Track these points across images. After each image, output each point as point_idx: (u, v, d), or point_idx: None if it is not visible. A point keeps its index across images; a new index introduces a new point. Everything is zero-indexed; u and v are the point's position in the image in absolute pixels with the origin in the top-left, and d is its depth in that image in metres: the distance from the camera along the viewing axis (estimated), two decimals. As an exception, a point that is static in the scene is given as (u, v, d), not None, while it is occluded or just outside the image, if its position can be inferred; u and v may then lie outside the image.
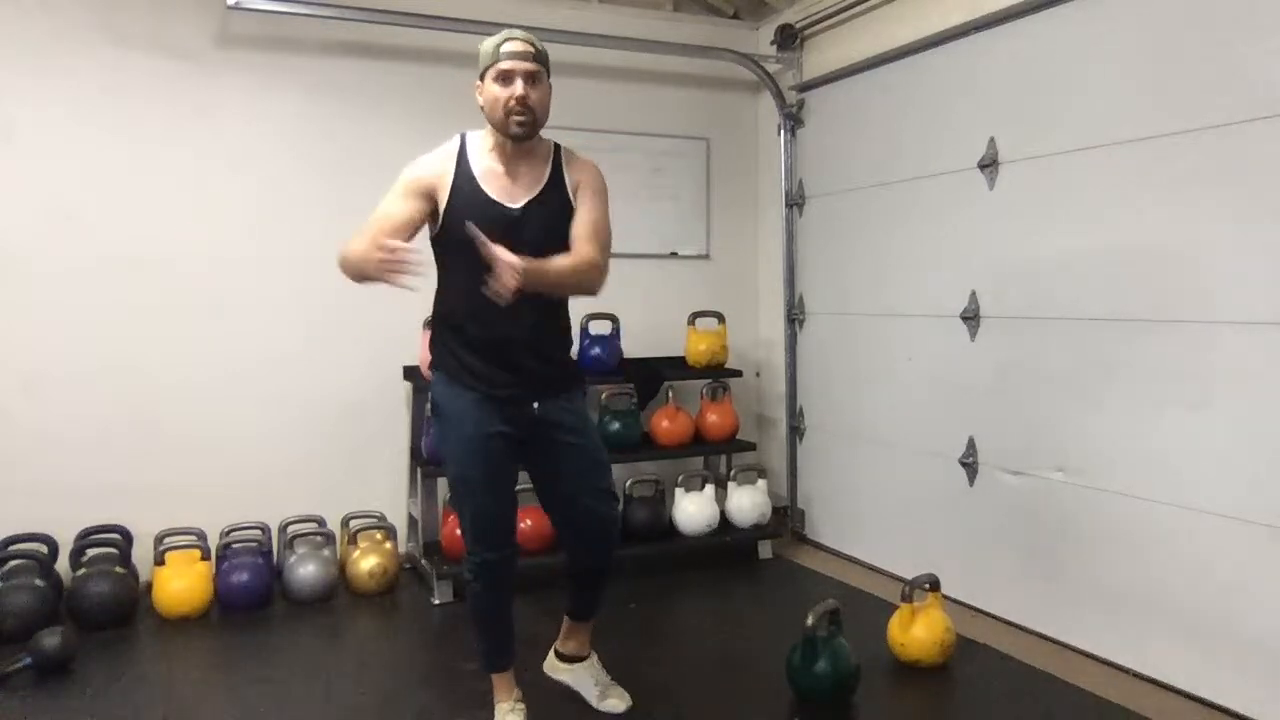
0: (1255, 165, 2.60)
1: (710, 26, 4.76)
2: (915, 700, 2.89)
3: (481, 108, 2.38)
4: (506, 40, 2.34)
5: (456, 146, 2.42)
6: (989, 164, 3.44)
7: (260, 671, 3.08)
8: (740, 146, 4.89)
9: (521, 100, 2.30)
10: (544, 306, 2.42)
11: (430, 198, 2.38)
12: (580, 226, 2.43)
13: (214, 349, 3.88)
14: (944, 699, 2.90)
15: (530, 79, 2.32)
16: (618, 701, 2.70)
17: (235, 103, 3.88)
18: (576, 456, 2.49)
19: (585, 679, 2.75)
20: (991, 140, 3.43)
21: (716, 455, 4.53)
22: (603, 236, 2.46)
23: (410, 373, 4.09)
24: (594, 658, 2.79)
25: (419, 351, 3.97)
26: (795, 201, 4.56)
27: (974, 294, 3.54)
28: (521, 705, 2.59)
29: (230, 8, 3.68)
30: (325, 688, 2.93)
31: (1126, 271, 2.96)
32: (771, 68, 4.57)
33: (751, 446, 4.49)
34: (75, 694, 2.87)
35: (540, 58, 2.35)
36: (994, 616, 3.44)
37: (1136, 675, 2.92)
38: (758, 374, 4.91)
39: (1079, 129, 3.09)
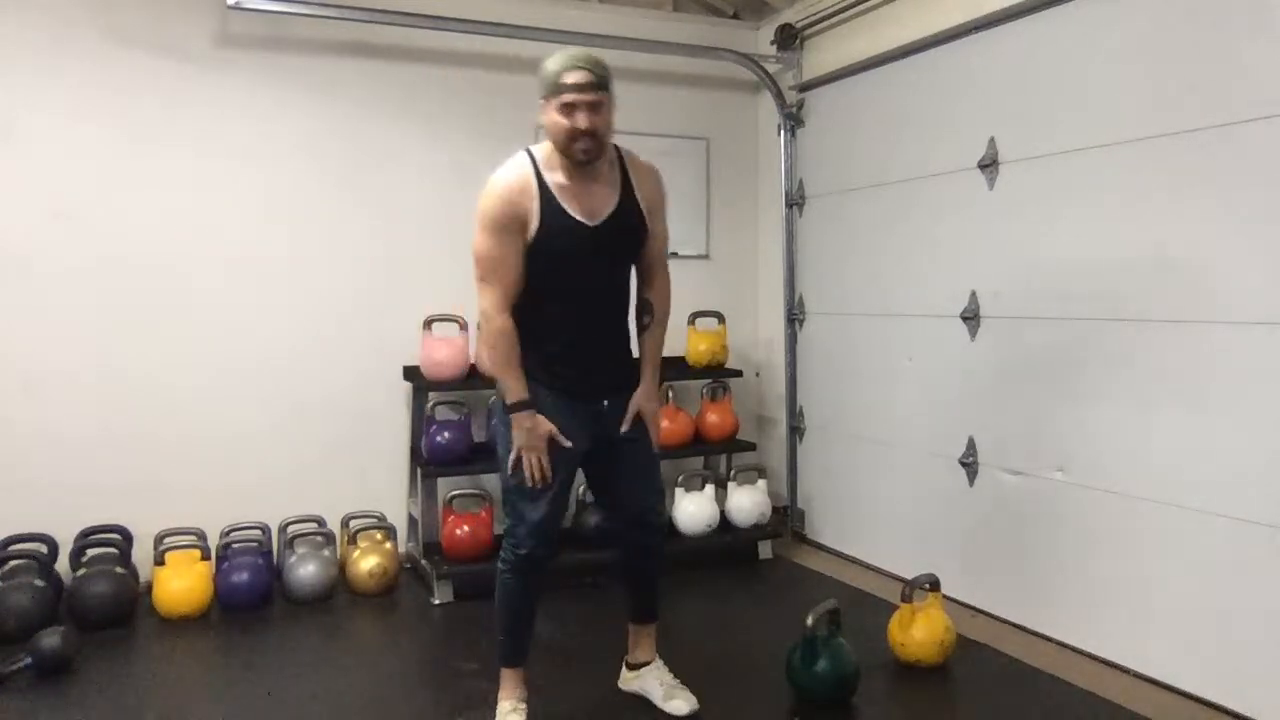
0: (1255, 165, 2.60)
1: (710, 26, 4.76)
2: (915, 700, 2.89)
3: (543, 127, 2.38)
4: (568, 70, 2.29)
5: (530, 169, 2.39)
6: (989, 164, 3.44)
7: (260, 671, 3.08)
8: (740, 146, 4.89)
9: (586, 132, 2.30)
10: (617, 310, 2.58)
11: (523, 227, 2.37)
12: (656, 260, 2.62)
13: (214, 349, 3.88)
14: (944, 699, 2.90)
15: (593, 108, 2.30)
16: (682, 703, 2.69)
17: (235, 103, 3.88)
18: (636, 454, 2.60)
19: (651, 682, 2.77)
20: (991, 140, 3.43)
21: (716, 455, 4.54)
22: (665, 251, 2.67)
23: (410, 373, 4.09)
24: (659, 661, 2.81)
25: (419, 352, 3.98)
26: (795, 201, 4.56)
27: (974, 294, 3.54)
28: (524, 705, 2.59)
29: (230, 8, 3.67)
30: (325, 688, 2.93)
31: (1126, 271, 2.96)
32: (771, 68, 4.57)
33: (751, 446, 4.49)
34: (75, 694, 2.87)
35: (603, 84, 2.32)
36: (994, 616, 3.44)
37: (1136, 675, 2.92)
38: (758, 374, 4.91)
39: (1079, 129, 3.09)
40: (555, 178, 2.39)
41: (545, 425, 2.42)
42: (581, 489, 4.00)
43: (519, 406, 2.40)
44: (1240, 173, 2.64)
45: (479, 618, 3.34)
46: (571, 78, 2.29)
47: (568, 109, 2.30)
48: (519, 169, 2.40)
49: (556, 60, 2.32)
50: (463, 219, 4.20)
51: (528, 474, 2.42)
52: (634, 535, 2.70)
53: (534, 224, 2.37)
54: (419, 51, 4.16)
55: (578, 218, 2.40)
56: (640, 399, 2.57)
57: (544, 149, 2.42)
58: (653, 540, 2.71)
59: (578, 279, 2.45)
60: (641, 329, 2.64)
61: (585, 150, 2.32)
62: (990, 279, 3.47)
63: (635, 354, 2.66)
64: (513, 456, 2.44)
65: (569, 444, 2.46)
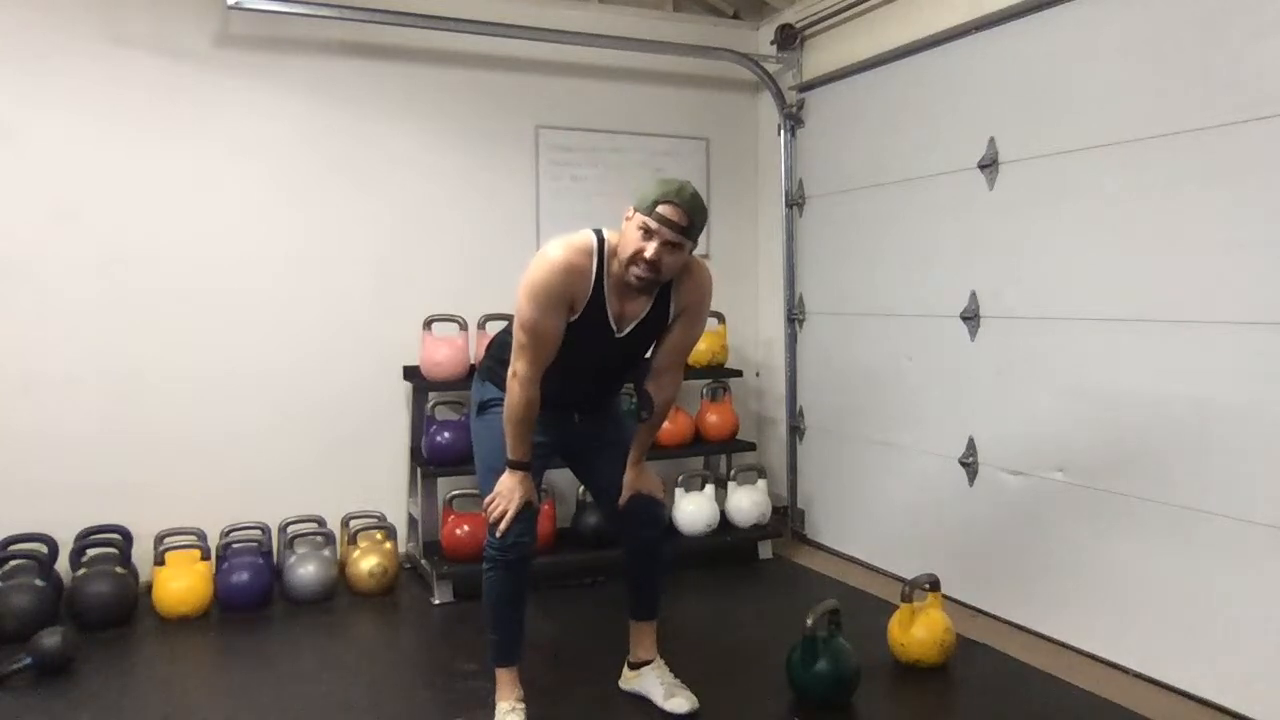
0: (1255, 165, 2.60)
1: (710, 26, 4.76)
2: (915, 700, 2.89)
3: (621, 231, 2.38)
4: (668, 201, 2.29)
5: (595, 259, 2.38)
6: (989, 164, 3.44)
7: (260, 671, 3.08)
8: (740, 146, 4.89)
9: (651, 263, 2.31)
10: (614, 381, 2.70)
11: (570, 307, 2.40)
12: (670, 355, 2.57)
13: (214, 349, 3.88)
14: (944, 699, 2.90)
15: (669, 246, 2.32)
16: (682, 701, 2.70)
17: (235, 103, 3.88)
18: (617, 459, 2.67)
19: (652, 681, 2.77)
20: (991, 140, 3.43)
21: (716, 455, 4.53)
22: (689, 354, 2.68)
23: (410, 373, 4.09)
24: (659, 661, 2.82)
25: (419, 352, 3.98)
26: (795, 201, 4.56)
27: (974, 294, 3.54)
28: (522, 705, 2.59)
29: (230, 8, 3.67)
30: (325, 688, 2.93)
31: (1126, 271, 2.96)
32: (771, 68, 4.57)
33: (751, 446, 4.49)
34: (75, 694, 2.86)
35: (690, 232, 2.33)
36: (994, 616, 3.44)
37: (1136, 675, 2.92)
38: (758, 374, 4.91)
39: (1079, 129, 3.09)
40: (612, 277, 2.41)
41: (527, 490, 2.48)
42: (581, 490, 4.00)
43: (517, 466, 2.48)
44: (1240, 173, 2.63)
45: (479, 618, 3.34)
46: (666, 210, 2.29)
47: (647, 233, 2.30)
48: (585, 255, 2.38)
49: (663, 185, 2.32)
50: (463, 219, 4.28)
51: (493, 516, 2.48)
52: (634, 534, 2.73)
53: (578, 311, 2.40)
54: (419, 51, 4.16)
55: (610, 320, 2.44)
56: (633, 481, 2.65)
57: (614, 241, 2.41)
58: (653, 539, 2.74)
59: (583, 365, 2.50)
60: (639, 420, 2.64)
61: (640, 278, 2.34)
62: (990, 279, 3.47)
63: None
64: (488, 499, 2.52)
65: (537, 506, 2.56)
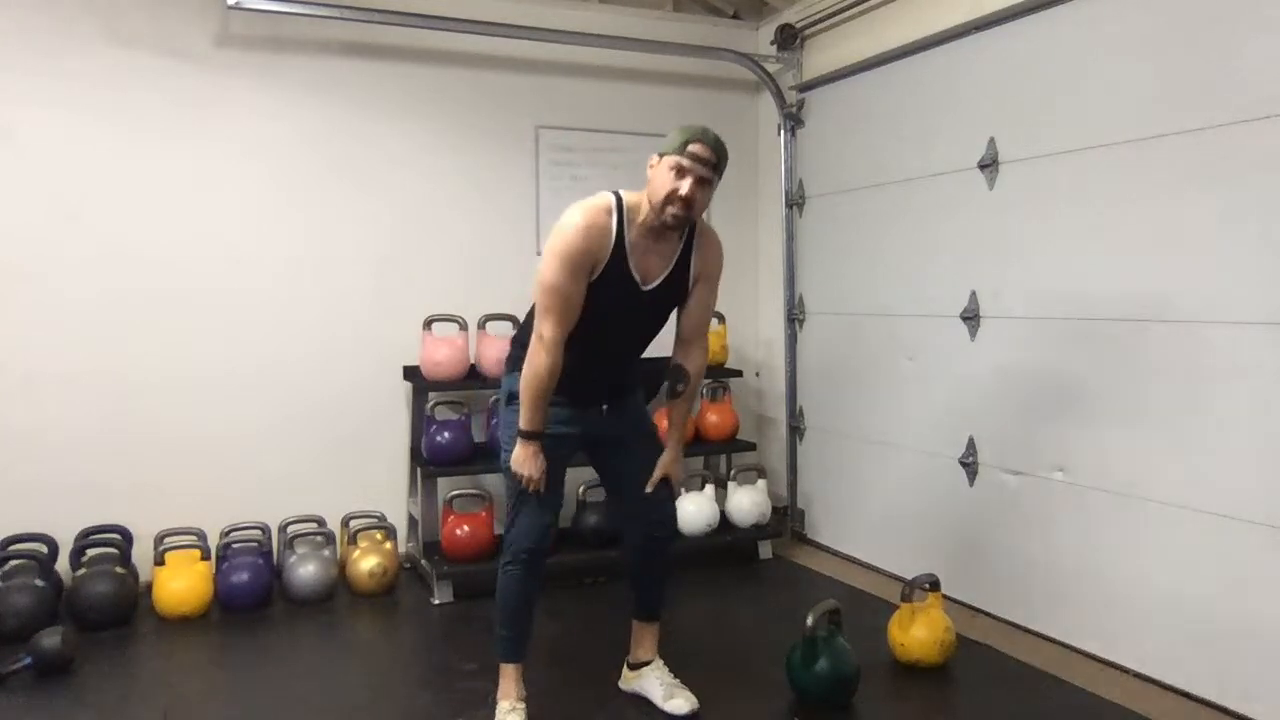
0: (1255, 165, 2.60)
1: (710, 26, 4.76)
2: (915, 700, 2.89)
3: (649, 180, 2.45)
4: (696, 140, 2.40)
5: (615, 217, 2.45)
6: (989, 164, 3.44)
7: (260, 671, 3.08)
8: (740, 146, 4.86)
9: (686, 200, 2.38)
10: (636, 351, 2.70)
11: (592, 269, 2.44)
12: (694, 322, 2.66)
13: (214, 349, 3.88)
14: (944, 699, 2.90)
15: (700, 182, 2.40)
16: (683, 702, 2.70)
17: (235, 103, 3.88)
18: (641, 454, 2.69)
19: (651, 682, 2.77)
20: (991, 140, 3.43)
21: (716, 455, 4.54)
22: (709, 324, 2.74)
23: (410, 373, 4.10)
24: (659, 661, 2.82)
25: (419, 352, 3.98)
26: (795, 201, 4.56)
27: (974, 294, 3.54)
28: (522, 705, 2.60)
29: (230, 8, 3.67)
30: (325, 688, 2.93)
31: (1126, 271, 2.96)
32: (771, 68, 4.57)
33: (751, 446, 4.49)
34: (75, 694, 2.87)
35: (718, 167, 2.45)
36: (994, 616, 3.44)
37: (1136, 675, 2.92)
38: (758, 374, 4.91)
39: (1079, 129, 3.09)
40: (633, 233, 2.46)
41: (542, 462, 2.50)
42: (581, 489, 4.00)
43: (530, 436, 2.49)
44: (1240, 173, 2.63)
45: (479, 618, 3.35)
46: (695, 148, 2.39)
47: (680, 172, 2.39)
48: (606, 214, 2.44)
49: (687, 129, 2.43)
50: (463, 219, 4.28)
51: (523, 481, 2.51)
52: (645, 533, 2.73)
53: (598, 271, 2.44)
54: (419, 51, 4.16)
55: (635, 277, 2.48)
56: (668, 463, 2.68)
57: (632, 199, 2.48)
58: (664, 539, 2.76)
59: (610, 326, 2.52)
60: (674, 395, 2.69)
61: (675, 216, 2.41)
62: (990, 279, 3.47)
63: (643, 368, 2.74)
64: (511, 470, 2.53)
65: (547, 490, 2.55)
